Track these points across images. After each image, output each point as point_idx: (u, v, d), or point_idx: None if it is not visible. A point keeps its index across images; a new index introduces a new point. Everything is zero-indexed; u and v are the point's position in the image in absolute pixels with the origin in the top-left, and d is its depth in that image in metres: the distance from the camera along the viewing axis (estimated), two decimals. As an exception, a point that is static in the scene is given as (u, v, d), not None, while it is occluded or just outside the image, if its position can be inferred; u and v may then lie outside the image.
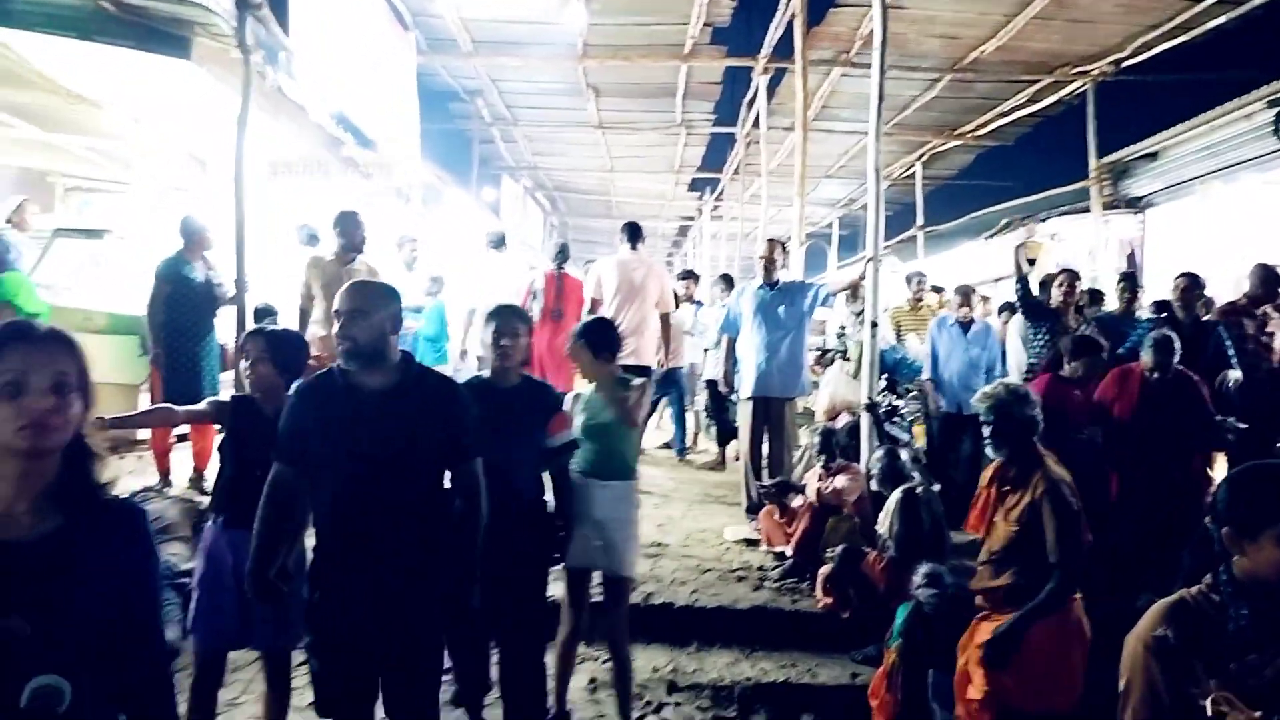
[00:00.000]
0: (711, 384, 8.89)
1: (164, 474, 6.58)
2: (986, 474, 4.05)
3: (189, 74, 6.72)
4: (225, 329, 6.68)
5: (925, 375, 7.53)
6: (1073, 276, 7.07)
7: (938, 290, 10.26)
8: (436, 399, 2.91)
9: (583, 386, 4.05)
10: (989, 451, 3.95)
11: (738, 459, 7.64)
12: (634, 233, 7.75)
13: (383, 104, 9.75)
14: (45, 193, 11.71)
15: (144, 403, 7.10)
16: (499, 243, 9.25)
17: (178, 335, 6.53)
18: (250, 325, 6.32)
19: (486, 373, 3.75)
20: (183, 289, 6.51)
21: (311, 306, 6.46)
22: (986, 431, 3.92)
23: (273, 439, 2.95)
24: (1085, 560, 3.68)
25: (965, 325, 7.38)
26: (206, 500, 6.21)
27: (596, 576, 3.98)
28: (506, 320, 3.68)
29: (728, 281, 9.78)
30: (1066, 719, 3.54)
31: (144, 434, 7.10)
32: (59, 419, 1.59)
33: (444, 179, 14.09)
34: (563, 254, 8.50)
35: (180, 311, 6.51)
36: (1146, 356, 5.46)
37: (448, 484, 3.00)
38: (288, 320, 7.04)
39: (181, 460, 6.79)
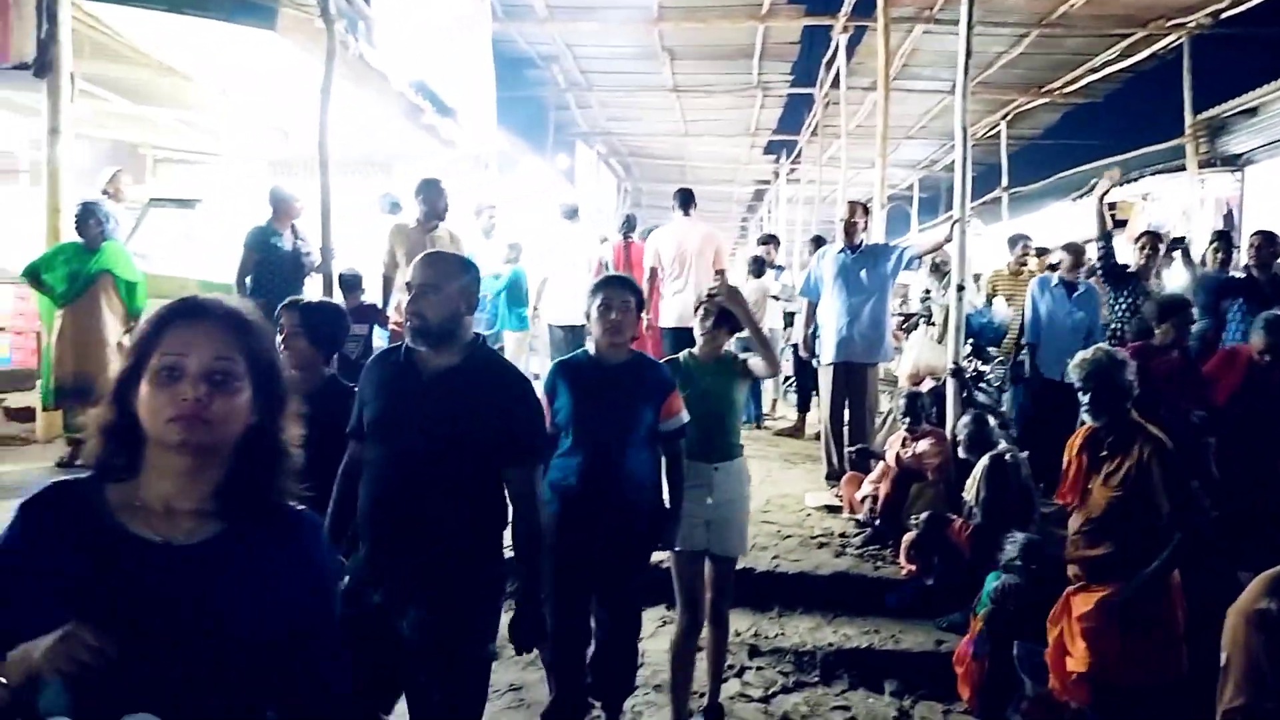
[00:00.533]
0: (795, 349, 8.82)
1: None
2: (1075, 442, 3.94)
3: (274, 45, 6.84)
4: (313, 297, 6.82)
5: (1023, 338, 7.08)
6: (1154, 239, 6.71)
7: (1041, 254, 9.69)
8: (500, 388, 2.67)
9: (682, 356, 3.89)
10: (1086, 418, 3.84)
11: (817, 429, 7.61)
12: (686, 199, 7.96)
13: (460, 71, 9.81)
14: (137, 164, 12.07)
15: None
16: (572, 214, 9.25)
17: (266, 304, 6.67)
18: (337, 293, 6.47)
19: (591, 347, 3.48)
20: (271, 258, 6.65)
21: (395, 274, 6.58)
22: (1084, 398, 3.81)
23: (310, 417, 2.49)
24: (1205, 516, 3.55)
25: (1070, 287, 6.85)
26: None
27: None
28: (616, 291, 3.38)
29: (818, 243, 9.59)
30: (1167, 692, 3.46)
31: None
32: (212, 411, 1.38)
33: (519, 146, 14.15)
34: (629, 224, 9.18)
35: (268, 280, 6.66)
36: (1257, 338, 5.13)
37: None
38: (372, 288, 7.19)
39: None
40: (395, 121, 9.13)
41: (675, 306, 7.69)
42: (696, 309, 3.85)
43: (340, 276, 6.64)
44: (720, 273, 7.54)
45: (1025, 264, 8.50)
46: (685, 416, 3.47)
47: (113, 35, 7.54)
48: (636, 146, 20.32)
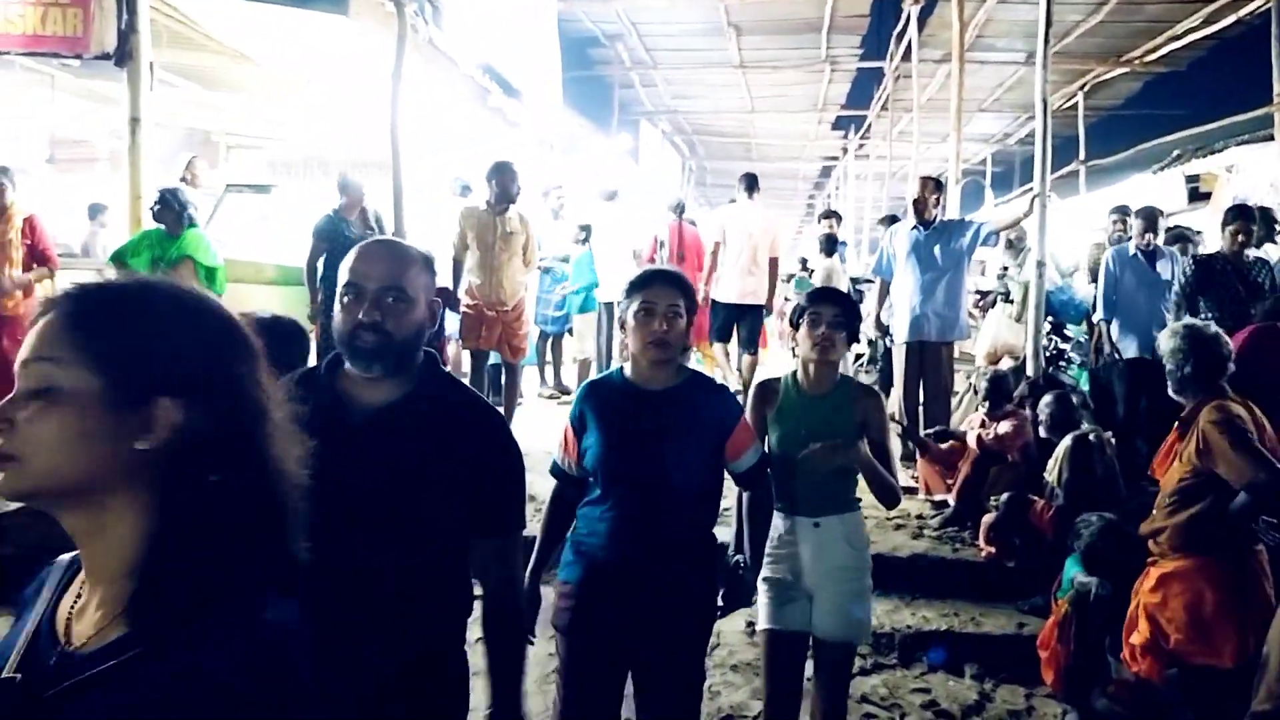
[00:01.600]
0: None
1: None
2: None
3: (346, 30, 6.90)
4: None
5: (1098, 315, 6.63)
6: (1245, 221, 6.01)
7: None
8: (465, 427, 1.94)
9: (780, 373, 3.09)
10: (1173, 395, 3.73)
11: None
12: (751, 183, 8.21)
13: (526, 53, 9.82)
14: (210, 150, 12.33)
15: (312, 354, 7.42)
16: (611, 196, 9.25)
17: (332, 290, 6.78)
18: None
19: (626, 367, 2.65)
20: (340, 246, 6.75)
21: (465, 257, 6.63)
22: (1170, 376, 3.69)
23: None
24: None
25: (1150, 256, 6.48)
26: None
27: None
28: (662, 290, 2.52)
29: (890, 222, 9.38)
30: (1234, 675, 3.33)
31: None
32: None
33: (585, 126, 14.15)
34: (680, 207, 9.47)
35: (337, 268, 6.75)
36: None
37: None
38: (443, 271, 7.25)
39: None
40: (464, 104, 9.18)
41: (733, 283, 7.92)
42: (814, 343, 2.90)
43: None
44: (773, 261, 7.98)
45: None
46: (758, 451, 2.72)
47: (189, 24, 7.68)
48: (701, 124, 20.20)
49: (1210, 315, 5.83)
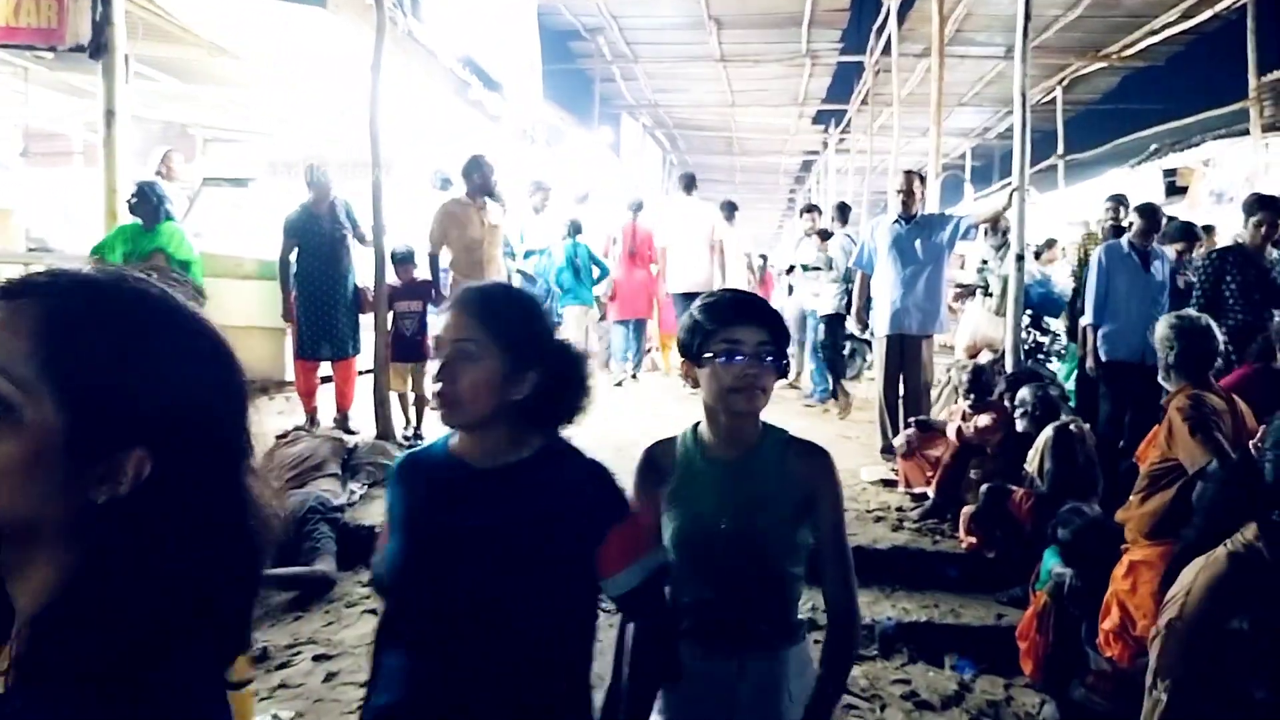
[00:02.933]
0: (826, 318, 8.78)
1: (310, 414, 6.84)
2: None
3: (324, 22, 6.85)
4: (364, 273, 6.86)
5: (1086, 319, 6.22)
6: (1273, 212, 5.48)
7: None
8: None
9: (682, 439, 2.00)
10: (1160, 382, 3.80)
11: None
12: (689, 182, 9.32)
13: (506, 46, 9.79)
14: (187, 144, 12.22)
15: (288, 345, 7.39)
16: (582, 199, 9.44)
17: (309, 285, 6.75)
18: (390, 269, 6.51)
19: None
20: (313, 241, 6.71)
21: (441, 252, 6.64)
22: (1161, 366, 3.76)
23: None
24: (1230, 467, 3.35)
25: (1145, 255, 6.17)
26: (352, 439, 6.49)
27: None
28: (751, 330, 1.81)
29: (844, 210, 9.43)
30: None
31: (290, 375, 7.40)
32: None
33: (565, 120, 14.11)
34: (638, 206, 9.91)
35: (310, 262, 6.72)
36: None
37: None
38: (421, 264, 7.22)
39: (326, 401, 7.05)
40: (444, 97, 9.14)
41: (684, 274, 9.04)
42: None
43: (392, 252, 6.68)
44: (718, 247, 9.04)
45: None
46: (651, 563, 1.68)
47: (165, 16, 7.60)
48: (682, 118, 20.19)
49: (1236, 317, 5.44)
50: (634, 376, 9.98)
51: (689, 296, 8.68)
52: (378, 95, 6.09)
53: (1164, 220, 6.54)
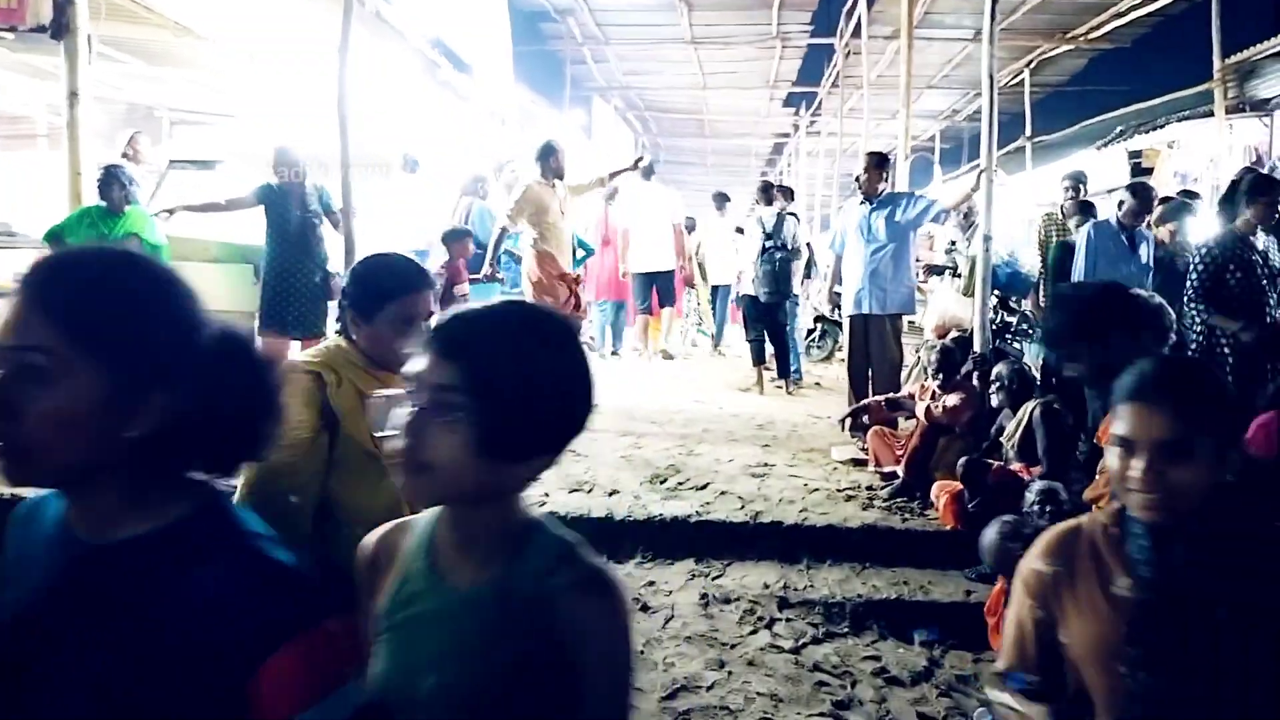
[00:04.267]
0: (742, 297, 8.93)
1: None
2: None
3: (290, 1, 6.78)
4: (335, 258, 6.83)
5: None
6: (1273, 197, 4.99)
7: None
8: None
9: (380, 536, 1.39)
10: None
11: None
12: (649, 170, 9.86)
13: (476, 27, 9.72)
14: (153, 126, 12.06)
15: (258, 331, 7.33)
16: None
17: (276, 265, 6.72)
18: (355, 255, 6.48)
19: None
20: (279, 221, 6.68)
21: (512, 229, 7.15)
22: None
23: None
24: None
25: (1133, 237, 6.00)
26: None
27: None
28: (29, 298, 1.03)
29: (765, 191, 9.24)
30: None
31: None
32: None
33: (537, 102, 14.04)
34: (613, 194, 10.11)
35: (278, 242, 6.70)
36: None
37: None
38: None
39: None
40: (413, 78, 9.07)
41: (646, 255, 9.84)
42: None
43: (445, 234, 6.95)
44: (677, 229, 9.92)
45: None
46: (341, 710, 1.07)
47: (128, -4, 7.50)
48: (654, 100, 20.14)
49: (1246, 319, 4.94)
50: (615, 353, 10.52)
51: (649, 276, 9.92)
52: (345, 77, 6.04)
53: (1155, 200, 6.34)
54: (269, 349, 6.67)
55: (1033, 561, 1.77)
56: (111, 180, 6.30)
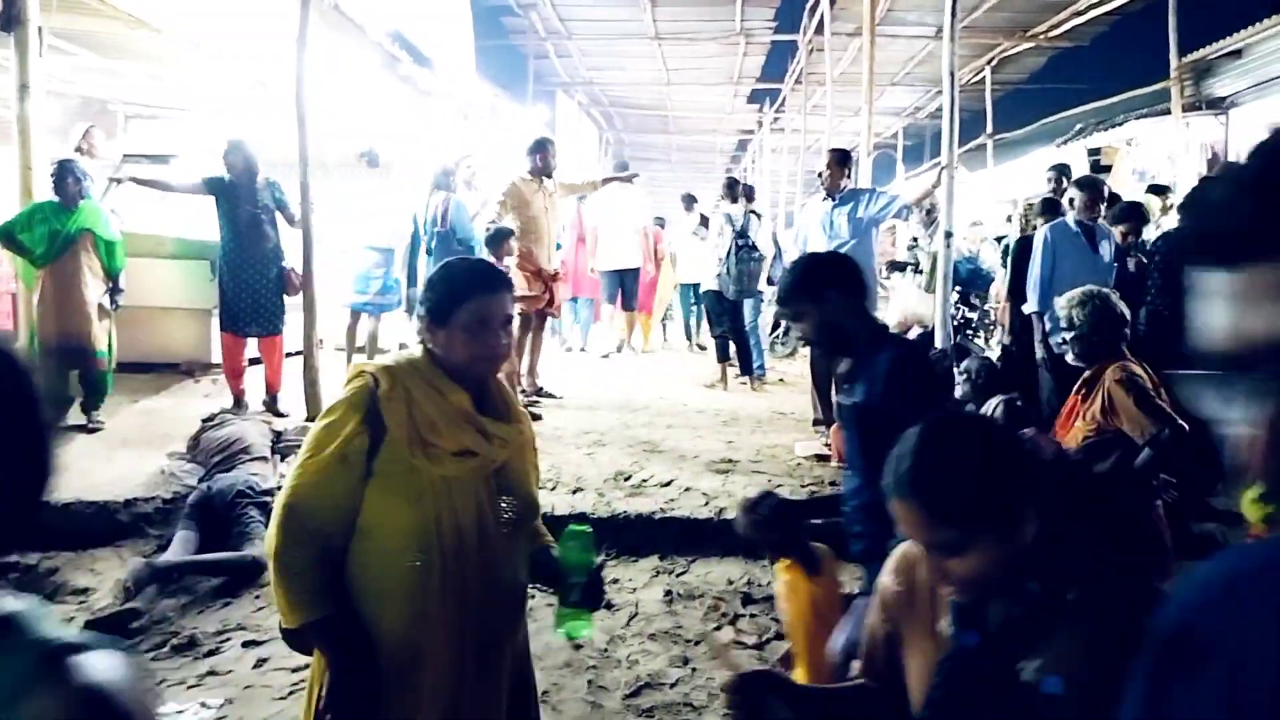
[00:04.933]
0: (708, 294, 8.98)
1: (238, 397, 6.71)
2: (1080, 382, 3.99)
3: (247, -6, 6.68)
4: (293, 253, 6.73)
5: (1030, 306, 5.90)
6: None
7: (1160, 191, 8.36)
8: None
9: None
10: (1070, 359, 3.90)
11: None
12: (623, 167, 10.04)
13: (437, 21, 9.63)
14: (107, 120, 11.83)
15: (215, 327, 7.24)
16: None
17: (232, 261, 6.62)
18: (313, 251, 6.40)
19: None
20: (231, 216, 6.58)
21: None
22: (1070, 337, 3.86)
23: None
24: (1181, 434, 3.45)
25: (1091, 232, 5.89)
26: (281, 421, 6.38)
27: None
28: None
29: (730, 187, 9.16)
30: None
31: (218, 357, 7.25)
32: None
33: (500, 97, 13.95)
34: (583, 195, 10.22)
35: (232, 238, 6.60)
36: None
37: None
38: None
39: (255, 383, 6.92)
40: (373, 72, 8.97)
41: (615, 253, 10.10)
42: None
43: (489, 234, 6.87)
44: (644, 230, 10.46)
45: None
46: None
47: (80, -13, 7.34)
48: (618, 96, 20.08)
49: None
50: (584, 349, 10.88)
51: (616, 274, 10.17)
52: (303, 70, 5.96)
53: (1106, 192, 6.31)
54: (227, 348, 6.62)
55: (885, 575, 1.67)
56: (65, 175, 6.18)
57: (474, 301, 2.01)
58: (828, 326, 2.74)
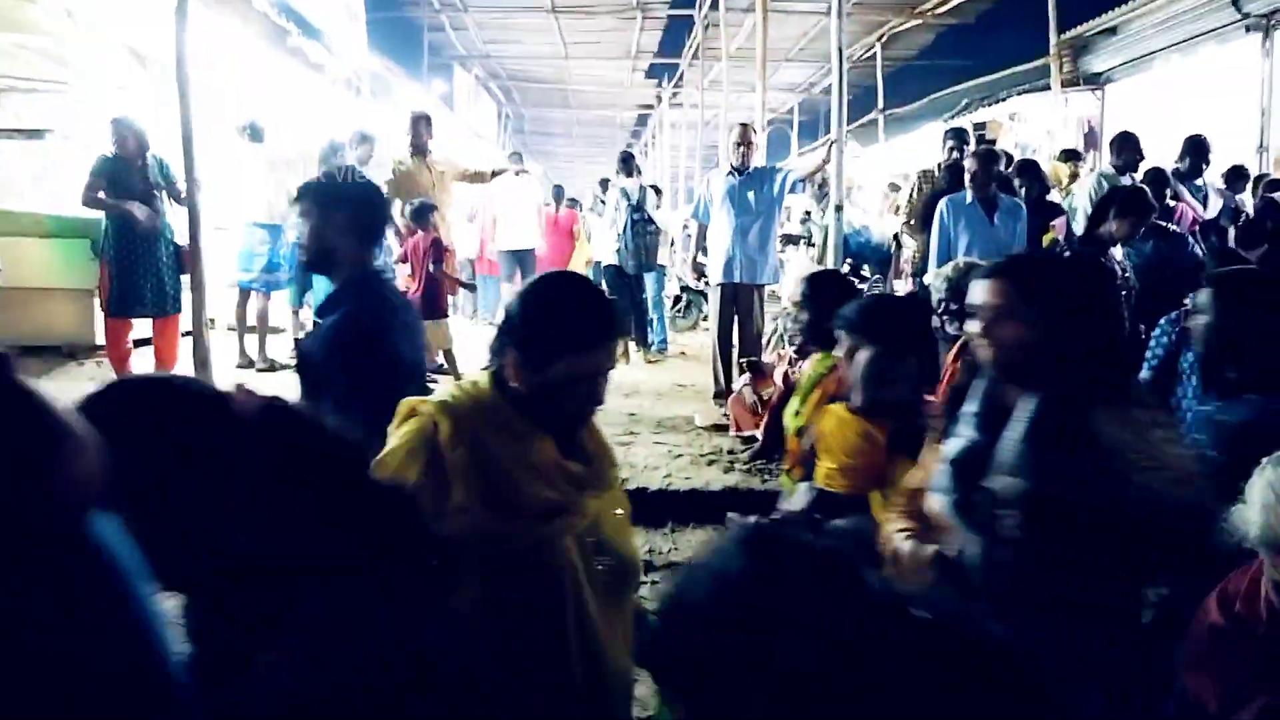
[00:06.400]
0: (608, 269, 9.01)
1: (126, 380, 6.49)
2: (953, 350, 4.11)
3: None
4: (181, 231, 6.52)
5: (930, 278, 5.57)
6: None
7: (1073, 157, 8.63)
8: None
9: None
10: (949, 328, 4.03)
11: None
12: (519, 158, 10.68)
13: (327, -9, 9.40)
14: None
15: (97, 307, 6.97)
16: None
17: (121, 241, 6.39)
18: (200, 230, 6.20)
19: None
20: (122, 195, 6.33)
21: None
22: (940, 310, 3.99)
23: None
24: None
25: (989, 204, 5.81)
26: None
27: None
28: None
29: (625, 161, 9.22)
30: None
31: (102, 339, 6.99)
32: None
33: (394, 70, 13.68)
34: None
35: (119, 219, 6.36)
36: None
37: None
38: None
39: (143, 366, 6.70)
40: (259, 44, 8.71)
41: (514, 235, 10.47)
42: None
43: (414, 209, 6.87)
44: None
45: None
46: None
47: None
48: (516, 70, 19.89)
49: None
50: (493, 324, 10.49)
51: (514, 254, 10.47)
52: (184, 41, 5.74)
53: (1001, 163, 6.32)
54: (115, 333, 6.36)
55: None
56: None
57: (591, 353, 1.65)
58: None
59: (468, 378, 1.84)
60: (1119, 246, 5.23)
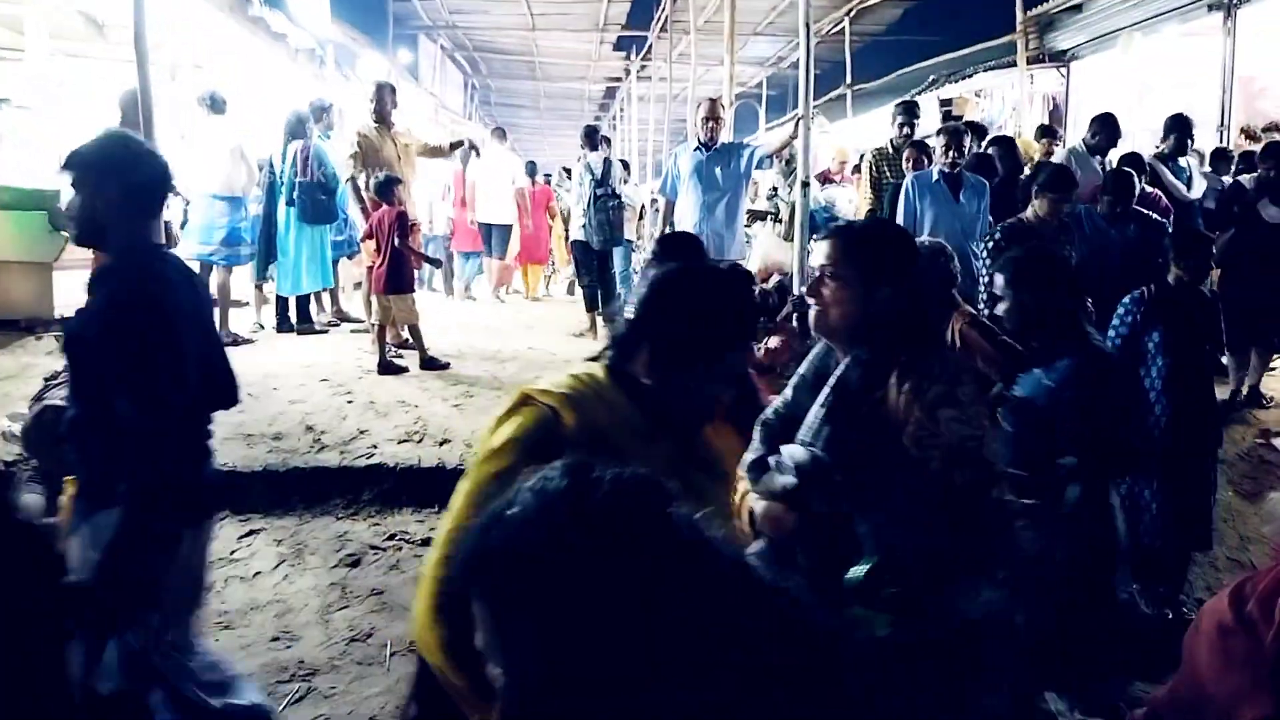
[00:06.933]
0: (575, 243, 9.03)
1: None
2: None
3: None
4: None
5: None
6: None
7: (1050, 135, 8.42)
8: None
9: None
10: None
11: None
12: (503, 133, 11.52)
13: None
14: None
15: (59, 281, 6.87)
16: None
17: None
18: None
19: None
20: None
21: (359, 178, 7.15)
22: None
23: None
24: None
25: (954, 180, 5.80)
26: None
27: None
28: None
29: (589, 135, 9.39)
30: None
31: (60, 313, 6.89)
32: None
33: (358, 40, 13.49)
34: (466, 157, 10.47)
35: None
36: None
37: None
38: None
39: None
40: (219, 13, 8.55)
41: (492, 208, 10.80)
42: None
43: (378, 183, 6.76)
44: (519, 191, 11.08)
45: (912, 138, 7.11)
46: None
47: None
48: (483, 41, 19.66)
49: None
50: (471, 297, 11.37)
51: (487, 227, 10.85)
52: (143, 9, 5.63)
53: (969, 143, 6.31)
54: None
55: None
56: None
57: (736, 354, 1.63)
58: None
59: (581, 369, 1.75)
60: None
